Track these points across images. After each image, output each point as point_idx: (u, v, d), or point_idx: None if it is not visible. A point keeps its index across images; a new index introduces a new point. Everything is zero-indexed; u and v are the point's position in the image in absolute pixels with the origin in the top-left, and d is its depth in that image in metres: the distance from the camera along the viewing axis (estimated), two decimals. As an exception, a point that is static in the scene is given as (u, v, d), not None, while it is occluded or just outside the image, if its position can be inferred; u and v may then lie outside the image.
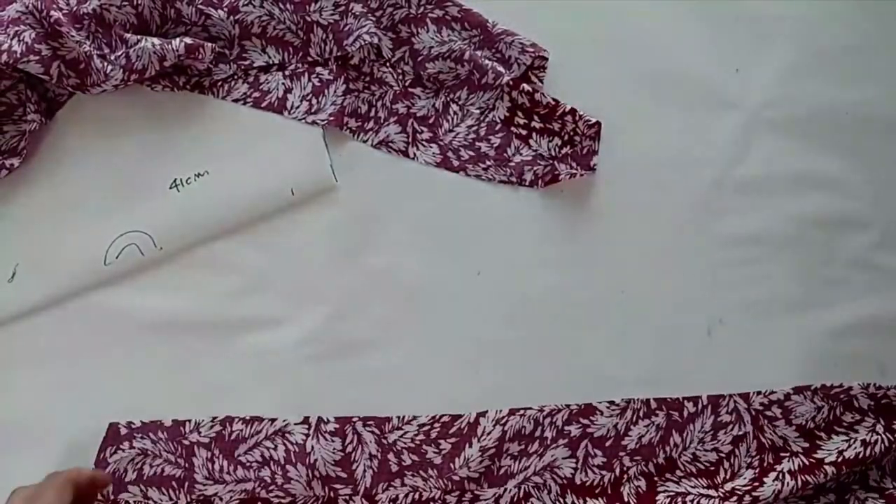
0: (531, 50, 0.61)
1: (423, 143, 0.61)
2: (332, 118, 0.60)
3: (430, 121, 0.61)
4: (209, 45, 0.58)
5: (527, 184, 0.60)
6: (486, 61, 0.61)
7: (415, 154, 0.61)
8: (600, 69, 0.62)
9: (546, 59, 0.62)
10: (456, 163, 0.61)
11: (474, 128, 0.62)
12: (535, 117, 0.60)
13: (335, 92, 0.61)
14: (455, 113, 0.62)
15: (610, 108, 0.61)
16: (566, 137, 0.60)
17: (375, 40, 0.60)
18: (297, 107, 0.60)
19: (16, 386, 0.56)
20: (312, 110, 0.60)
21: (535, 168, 0.60)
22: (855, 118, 0.61)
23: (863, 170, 0.60)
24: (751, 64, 0.62)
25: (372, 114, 0.61)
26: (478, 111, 0.61)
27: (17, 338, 0.56)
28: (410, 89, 0.61)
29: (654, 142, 0.61)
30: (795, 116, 0.61)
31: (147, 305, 0.58)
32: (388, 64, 0.62)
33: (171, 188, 0.59)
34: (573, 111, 0.60)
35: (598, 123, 0.59)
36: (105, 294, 0.57)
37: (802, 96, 0.61)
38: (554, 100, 0.60)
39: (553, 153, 0.61)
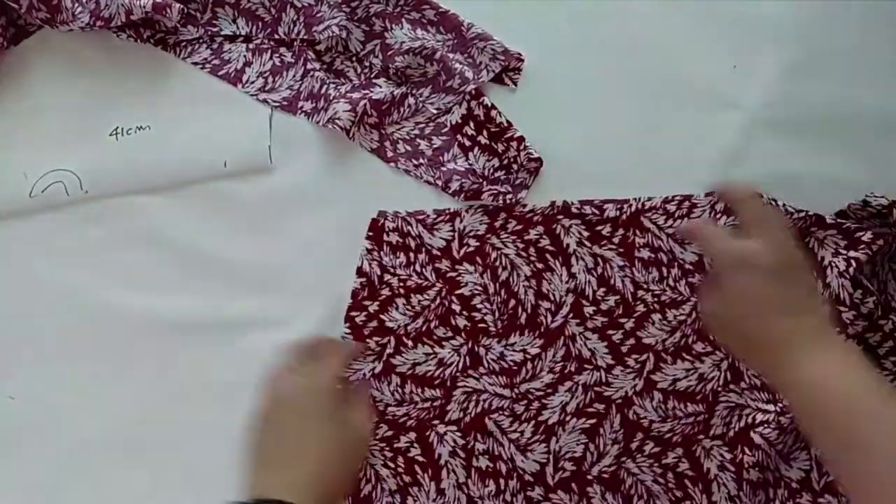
0: (501, 58, 0.58)
1: (367, 125, 0.58)
2: (285, 102, 0.59)
3: (383, 107, 0.58)
4: (177, 6, 0.58)
5: (450, 192, 0.57)
6: (457, 65, 0.58)
7: (353, 134, 0.58)
8: (600, 70, 0.61)
9: (522, 61, 0.60)
10: (390, 154, 0.58)
11: (421, 125, 0.59)
12: (485, 132, 0.58)
13: (293, 76, 0.60)
14: (409, 106, 0.59)
15: (609, 108, 0.60)
16: (505, 162, 0.57)
17: (343, 34, 0.59)
18: (253, 82, 0.60)
19: (16, 385, 0.57)
20: (266, 88, 0.60)
21: (462, 180, 0.57)
22: (855, 118, 0.59)
23: (863, 170, 0.58)
24: (750, 64, 0.60)
25: (323, 91, 0.59)
26: (435, 111, 0.59)
27: (18, 337, 0.57)
28: (374, 80, 0.60)
29: (653, 142, 0.59)
30: (795, 116, 0.59)
31: (147, 305, 0.57)
32: (354, 59, 0.60)
33: (110, 135, 0.59)
34: (520, 139, 0.57)
35: (539, 160, 0.57)
36: (105, 294, 0.58)
37: (802, 96, 0.60)
38: (507, 122, 0.57)
39: (486, 172, 0.58)
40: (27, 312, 0.58)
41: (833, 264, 0.53)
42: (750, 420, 0.53)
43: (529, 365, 0.55)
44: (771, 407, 0.53)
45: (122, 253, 0.58)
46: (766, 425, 0.53)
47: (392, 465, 0.55)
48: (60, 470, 0.55)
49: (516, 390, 0.55)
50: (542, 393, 0.55)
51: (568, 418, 0.54)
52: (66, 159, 0.58)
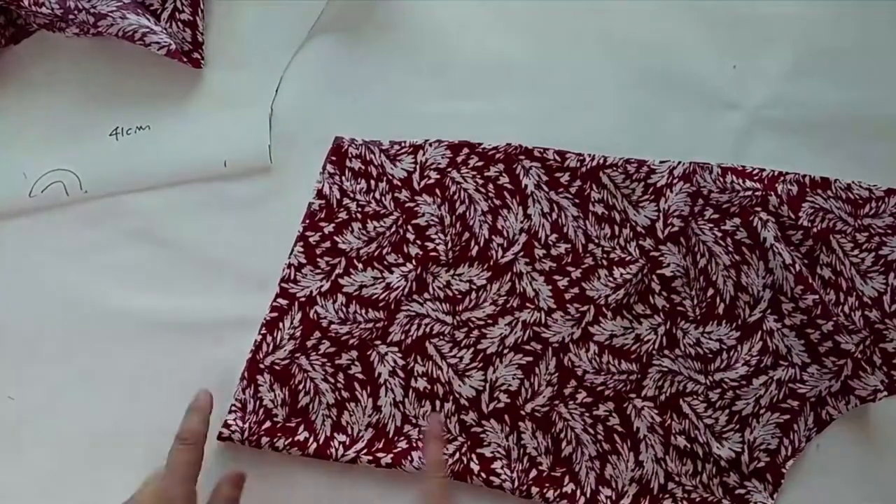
0: None
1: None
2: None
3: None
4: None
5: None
6: None
7: None
8: (600, 69, 0.61)
9: None
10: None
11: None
12: None
13: None
14: None
15: (609, 108, 0.60)
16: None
17: None
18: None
19: (16, 386, 0.57)
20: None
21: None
22: (855, 118, 0.59)
23: (863, 170, 0.58)
24: (750, 63, 0.61)
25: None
26: None
27: (17, 338, 0.57)
28: None
29: (653, 142, 0.59)
30: (795, 116, 0.60)
31: (147, 305, 0.57)
32: None
33: (110, 135, 0.59)
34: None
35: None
36: (105, 294, 0.58)
37: (802, 96, 0.60)
38: None
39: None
40: (27, 312, 0.58)
41: (776, 249, 0.55)
42: (681, 388, 0.55)
43: (474, 295, 0.56)
44: (702, 378, 0.55)
45: (122, 253, 0.58)
46: (694, 396, 0.54)
47: (332, 380, 0.55)
48: (60, 470, 0.55)
49: (458, 318, 0.56)
50: (482, 323, 0.56)
51: (506, 351, 0.55)
52: (66, 159, 0.58)
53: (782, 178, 0.57)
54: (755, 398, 0.54)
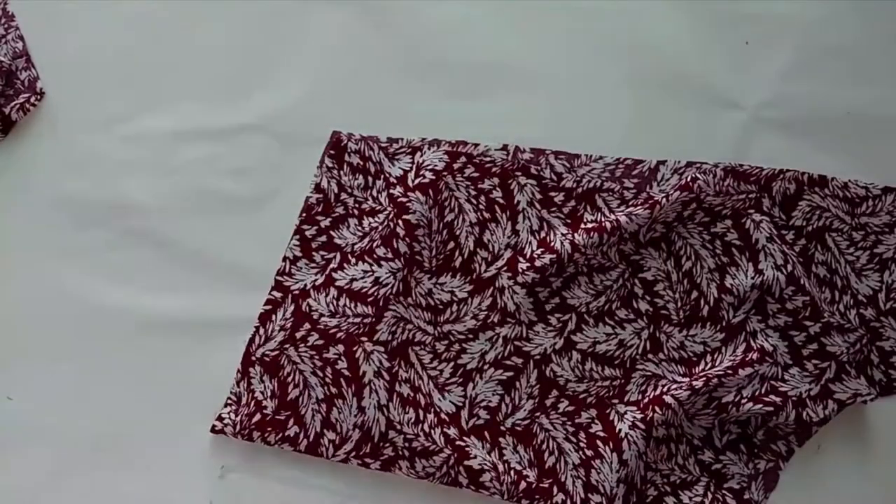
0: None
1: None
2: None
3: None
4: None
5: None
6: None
7: None
8: (600, 69, 0.61)
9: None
10: None
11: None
12: None
13: None
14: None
15: (609, 108, 0.60)
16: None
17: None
18: None
19: (16, 386, 0.57)
20: None
21: None
22: (855, 118, 0.60)
23: (863, 170, 0.58)
24: (751, 63, 0.61)
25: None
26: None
27: (17, 338, 0.58)
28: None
29: (654, 142, 0.59)
30: (795, 116, 0.60)
31: (147, 305, 0.58)
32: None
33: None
34: None
35: None
36: (105, 294, 0.58)
37: (802, 96, 0.60)
38: None
39: None
40: (27, 312, 0.58)
41: (768, 251, 0.55)
42: (664, 390, 0.54)
43: (455, 307, 0.56)
44: (686, 380, 0.54)
45: (122, 253, 0.59)
46: (678, 388, 0.54)
47: (320, 374, 0.55)
48: (58, 470, 0.55)
49: (439, 329, 0.56)
50: (463, 337, 0.56)
51: (486, 367, 0.55)
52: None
53: (781, 175, 0.57)
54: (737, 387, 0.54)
